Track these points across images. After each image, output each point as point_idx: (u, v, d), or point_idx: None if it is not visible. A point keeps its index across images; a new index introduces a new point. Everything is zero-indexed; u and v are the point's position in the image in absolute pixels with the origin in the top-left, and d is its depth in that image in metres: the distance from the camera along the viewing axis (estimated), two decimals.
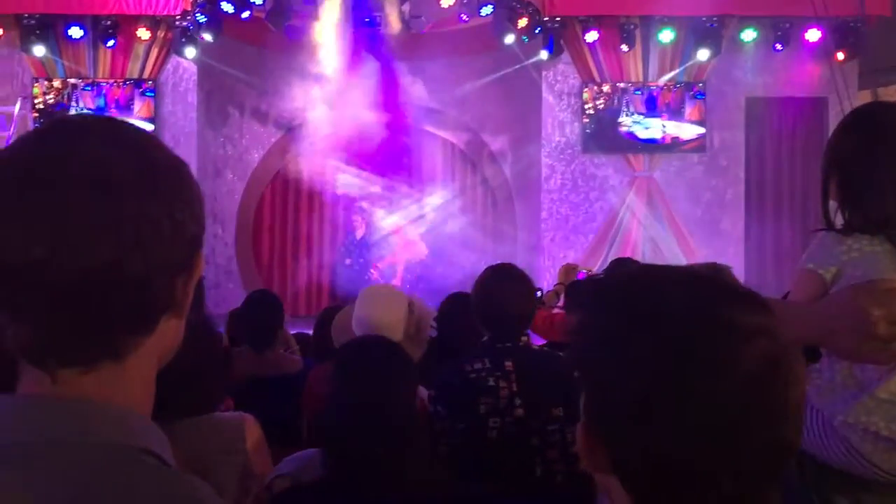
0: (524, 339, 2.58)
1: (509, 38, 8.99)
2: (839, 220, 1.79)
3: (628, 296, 0.78)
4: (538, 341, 3.40)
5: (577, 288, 3.22)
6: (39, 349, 0.73)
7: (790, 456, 0.74)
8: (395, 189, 10.46)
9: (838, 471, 1.71)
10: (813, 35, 8.86)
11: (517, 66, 9.77)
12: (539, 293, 3.17)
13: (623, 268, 0.77)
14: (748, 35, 9.12)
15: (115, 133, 0.77)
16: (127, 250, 0.72)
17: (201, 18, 8.62)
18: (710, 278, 0.77)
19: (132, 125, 0.83)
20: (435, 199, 10.82)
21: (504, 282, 2.61)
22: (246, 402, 2.91)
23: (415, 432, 1.73)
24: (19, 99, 8.74)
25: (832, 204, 1.80)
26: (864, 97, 8.73)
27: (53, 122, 0.79)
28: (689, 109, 9.33)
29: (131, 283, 0.72)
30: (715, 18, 8.95)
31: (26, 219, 0.70)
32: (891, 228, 1.68)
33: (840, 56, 8.80)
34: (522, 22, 8.86)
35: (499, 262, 2.84)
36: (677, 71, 9.26)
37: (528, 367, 2.49)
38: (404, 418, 1.72)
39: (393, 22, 9.31)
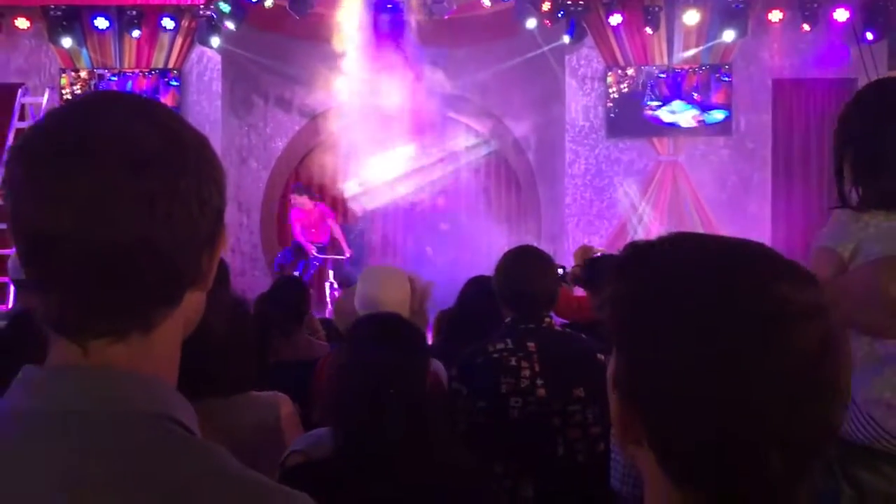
0: (547, 320, 2.57)
1: (531, 23, 8.93)
2: (854, 198, 1.77)
3: (674, 266, 0.75)
4: (559, 322, 3.39)
5: (594, 266, 3.20)
6: (71, 320, 0.75)
7: (835, 434, 0.72)
8: (418, 176, 10.46)
9: (860, 446, 1.70)
10: (841, 15, 8.71)
11: (540, 51, 9.71)
12: (562, 270, 3.15)
13: (637, 249, 0.75)
14: (775, 15, 8.99)
15: (145, 109, 0.79)
16: (158, 224, 0.73)
17: (225, 7, 8.67)
18: (761, 251, 0.74)
19: (160, 102, 0.85)
20: (459, 186, 10.83)
21: (526, 262, 2.62)
22: (273, 386, 2.94)
23: (430, 408, 1.74)
24: (47, 89, 8.86)
25: (847, 181, 1.79)
26: None
27: (86, 97, 0.81)
28: (715, 92, 9.23)
29: (161, 256, 0.74)
30: None
31: (59, 191, 0.72)
32: None
33: (869, 36, 8.64)
34: (545, 6, 8.81)
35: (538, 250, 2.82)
36: (701, 49, 9.14)
37: (550, 348, 2.50)
38: (418, 391, 1.73)
39: (415, 8, 9.30)
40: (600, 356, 2.56)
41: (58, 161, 0.72)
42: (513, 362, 2.45)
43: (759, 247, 0.75)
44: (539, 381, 2.44)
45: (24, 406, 0.74)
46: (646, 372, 0.72)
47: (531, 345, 2.48)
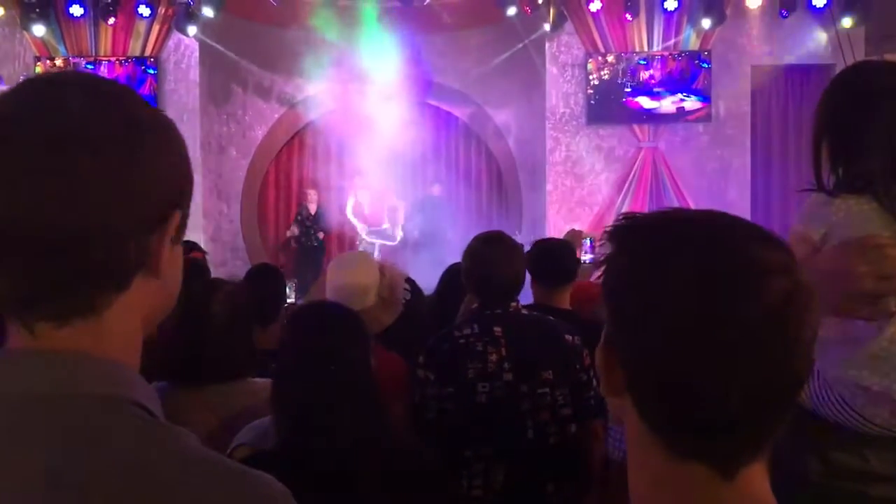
0: (513, 304, 2.57)
1: (512, 10, 8.91)
2: (830, 183, 1.78)
3: (654, 229, 0.83)
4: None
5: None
6: (16, 302, 0.74)
7: (799, 388, 0.78)
8: (398, 163, 10.42)
9: (834, 426, 1.71)
10: (819, 1, 8.74)
11: (521, 39, 9.69)
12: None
13: (629, 217, 0.83)
14: (753, 2, 9.01)
15: (93, 89, 0.77)
16: (101, 206, 0.72)
17: None
18: (740, 221, 0.81)
19: (113, 81, 0.82)
20: (438, 173, 10.82)
21: (493, 248, 2.61)
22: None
23: (371, 394, 1.72)
24: (21, 78, 8.74)
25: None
26: None
27: (34, 78, 0.79)
28: (695, 79, 9.25)
29: (100, 238, 0.73)
30: None
31: (9, 178, 0.71)
32: (878, 187, 1.68)
33: (847, 22, 8.68)
34: None
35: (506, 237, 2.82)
36: (681, 36, 9.15)
37: (517, 332, 2.49)
38: (359, 377, 1.72)
39: None
40: (568, 337, 2.56)
41: (9, 147, 0.72)
42: (479, 347, 2.45)
43: (738, 218, 0.82)
44: (506, 365, 2.44)
45: None
46: (626, 322, 0.80)
47: (497, 329, 2.48)
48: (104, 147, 0.73)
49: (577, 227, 4.18)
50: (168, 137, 0.80)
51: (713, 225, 0.81)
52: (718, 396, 0.73)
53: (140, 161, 0.75)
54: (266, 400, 1.83)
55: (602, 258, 0.85)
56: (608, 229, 0.86)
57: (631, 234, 0.84)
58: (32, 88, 0.77)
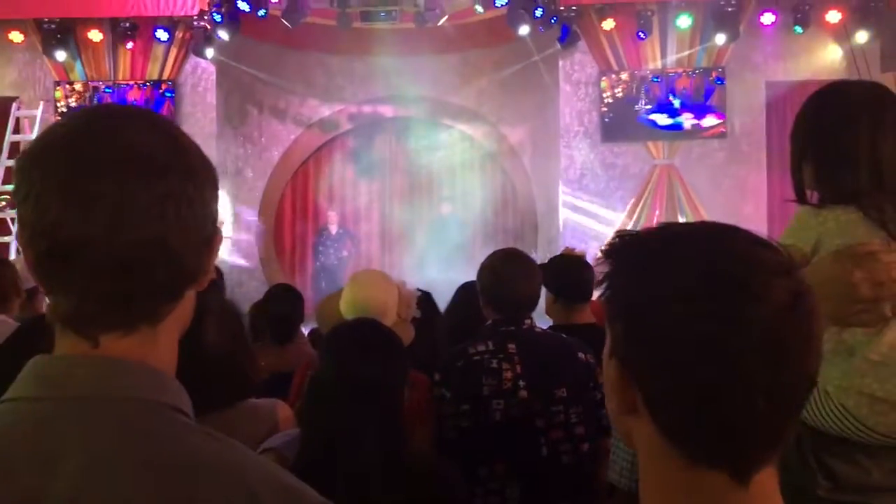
0: (528, 321, 2.57)
1: (524, 29, 8.94)
2: (814, 197, 1.81)
3: (654, 242, 0.84)
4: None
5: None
6: (85, 317, 0.79)
7: (812, 387, 0.79)
8: (414, 183, 10.48)
9: (837, 439, 1.70)
10: (833, 16, 8.73)
11: (534, 58, 9.73)
12: None
13: (624, 232, 0.85)
14: (767, 18, 9.00)
15: (150, 120, 0.85)
16: (170, 226, 0.79)
17: (218, 18, 8.68)
18: (739, 228, 0.83)
19: (159, 114, 0.93)
20: (454, 192, 10.85)
21: (509, 264, 2.61)
22: (268, 396, 2.90)
23: (398, 418, 1.71)
24: (41, 102, 8.88)
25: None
26: (886, 79, 8.57)
27: (98, 108, 0.88)
28: (709, 95, 9.23)
29: (171, 255, 0.80)
30: (733, 2, 8.83)
31: (82, 199, 0.76)
32: (863, 199, 1.71)
33: (861, 38, 8.65)
34: (538, 12, 8.82)
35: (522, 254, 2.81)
36: (694, 52, 9.15)
37: (531, 349, 2.49)
38: (388, 402, 1.70)
39: (407, 16, 9.32)
40: (581, 355, 2.55)
41: (82, 170, 0.77)
42: (494, 364, 2.45)
43: (733, 226, 0.84)
44: (521, 383, 2.44)
45: (37, 394, 0.78)
46: (639, 334, 0.80)
47: (512, 346, 2.47)
48: (166, 171, 0.80)
49: (574, 249, 4.18)
50: (208, 162, 0.87)
51: (712, 232, 0.83)
52: (743, 399, 0.75)
53: (195, 185, 0.82)
54: (270, 424, 1.83)
55: (602, 277, 0.85)
56: (604, 248, 0.87)
57: (630, 249, 0.85)
58: (91, 117, 0.84)
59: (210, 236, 0.85)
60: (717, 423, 0.76)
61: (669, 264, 0.79)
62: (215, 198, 0.87)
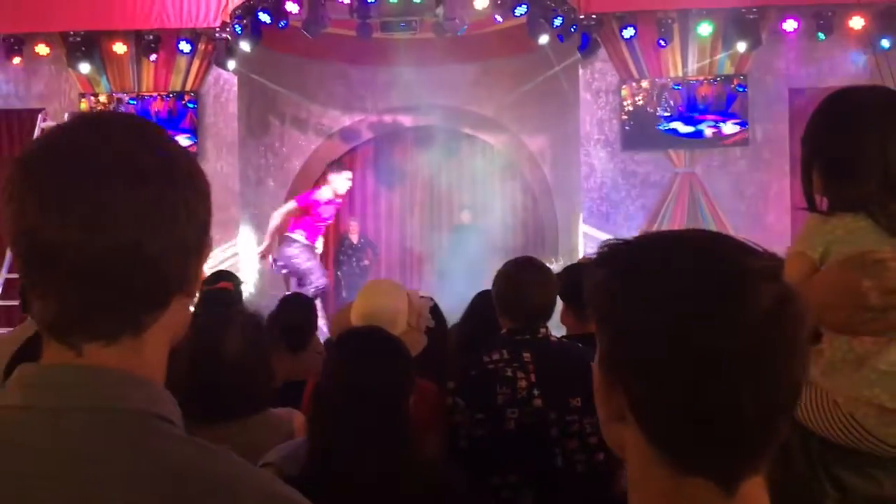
0: (543, 330, 2.56)
1: (544, 38, 8.94)
2: (823, 204, 1.81)
3: (642, 249, 0.84)
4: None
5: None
6: (66, 324, 0.79)
7: (798, 393, 0.80)
8: (434, 192, 10.50)
9: (847, 450, 1.67)
10: (856, 23, 8.64)
11: (554, 66, 9.72)
12: None
13: (611, 241, 0.84)
14: (789, 25, 8.93)
15: (137, 127, 0.85)
16: (148, 233, 0.78)
17: (239, 30, 8.77)
18: (728, 237, 0.84)
19: (150, 121, 0.90)
20: (474, 201, 10.85)
21: (524, 272, 2.61)
22: (282, 405, 2.91)
23: (403, 427, 1.70)
24: (67, 114, 9.01)
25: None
26: None
27: (82, 115, 0.88)
28: (731, 103, 9.17)
29: (151, 262, 0.79)
30: (755, 9, 8.77)
31: (65, 204, 0.76)
32: (873, 206, 1.70)
33: (885, 43, 8.56)
34: (557, 21, 8.81)
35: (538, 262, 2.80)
36: (716, 59, 9.10)
37: (546, 358, 2.48)
38: (393, 410, 1.69)
39: (427, 26, 9.36)
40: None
41: (63, 176, 0.77)
42: (508, 373, 2.44)
43: (720, 233, 0.85)
44: (535, 392, 2.43)
45: (23, 403, 0.77)
46: (627, 339, 0.80)
47: (527, 355, 2.47)
48: (146, 178, 0.79)
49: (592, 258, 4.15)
50: (197, 172, 0.86)
51: (699, 239, 0.83)
52: (728, 404, 0.75)
53: (179, 193, 0.82)
54: (287, 433, 1.82)
55: (591, 285, 0.85)
56: (593, 257, 0.87)
57: (619, 256, 0.85)
58: (80, 124, 0.84)
59: (196, 244, 0.84)
60: (702, 430, 0.76)
61: (657, 271, 0.80)
62: (204, 206, 0.86)
